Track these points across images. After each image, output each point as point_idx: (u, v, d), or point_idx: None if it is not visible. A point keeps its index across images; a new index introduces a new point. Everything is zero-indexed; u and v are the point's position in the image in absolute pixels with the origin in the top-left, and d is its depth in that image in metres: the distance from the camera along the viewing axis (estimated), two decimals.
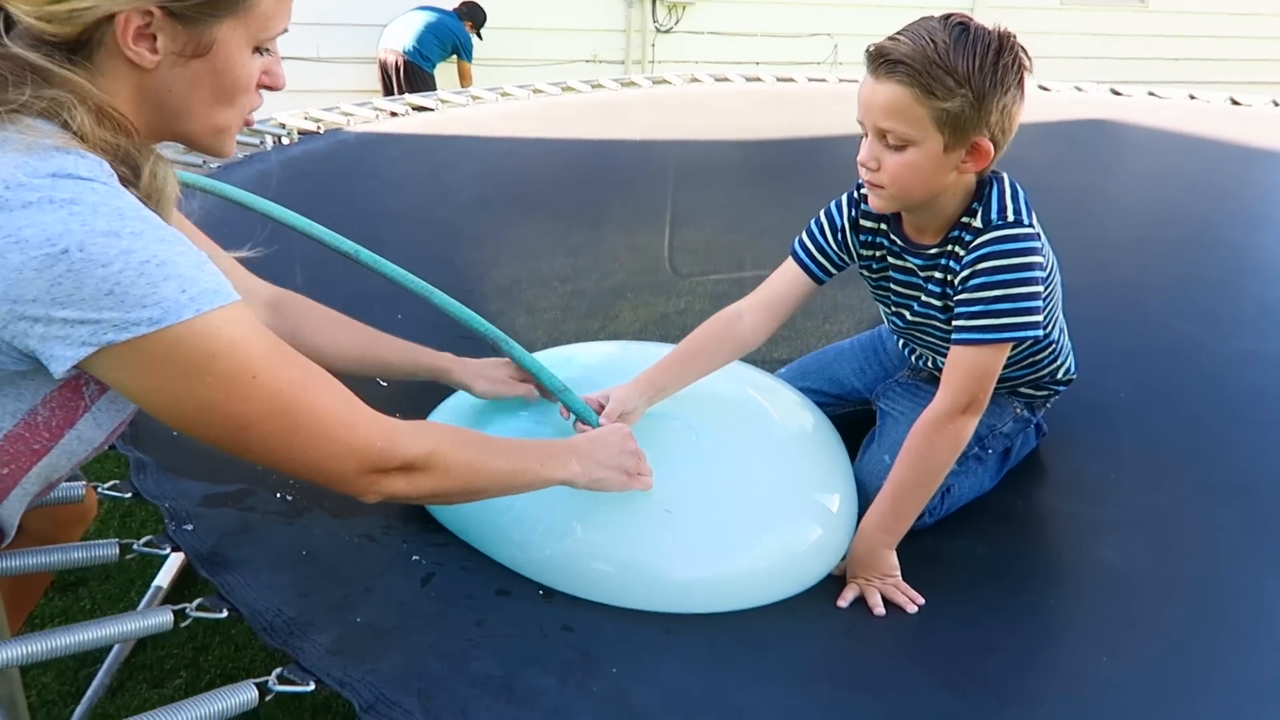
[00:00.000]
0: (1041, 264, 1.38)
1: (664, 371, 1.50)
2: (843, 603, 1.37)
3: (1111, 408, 1.89)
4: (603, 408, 1.42)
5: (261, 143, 2.91)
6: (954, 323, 1.40)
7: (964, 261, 1.40)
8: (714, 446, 1.46)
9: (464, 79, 5.45)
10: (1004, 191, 1.40)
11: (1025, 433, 1.71)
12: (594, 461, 1.26)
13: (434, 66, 5.38)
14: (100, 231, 0.83)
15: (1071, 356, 1.67)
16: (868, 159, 1.36)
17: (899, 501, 1.41)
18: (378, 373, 1.55)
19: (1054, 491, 1.70)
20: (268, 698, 1.00)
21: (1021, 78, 1.32)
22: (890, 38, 1.30)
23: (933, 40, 1.26)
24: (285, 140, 2.97)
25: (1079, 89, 4.31)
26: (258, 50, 1.00)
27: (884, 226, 1.51)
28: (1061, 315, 1.62)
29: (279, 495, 1.37)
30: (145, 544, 1.20)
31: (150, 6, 0.90)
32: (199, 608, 1.10)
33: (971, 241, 1.39)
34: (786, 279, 1.56)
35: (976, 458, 1.61)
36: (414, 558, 1.31)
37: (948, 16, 1.30)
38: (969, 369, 1.38)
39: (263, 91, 1.04)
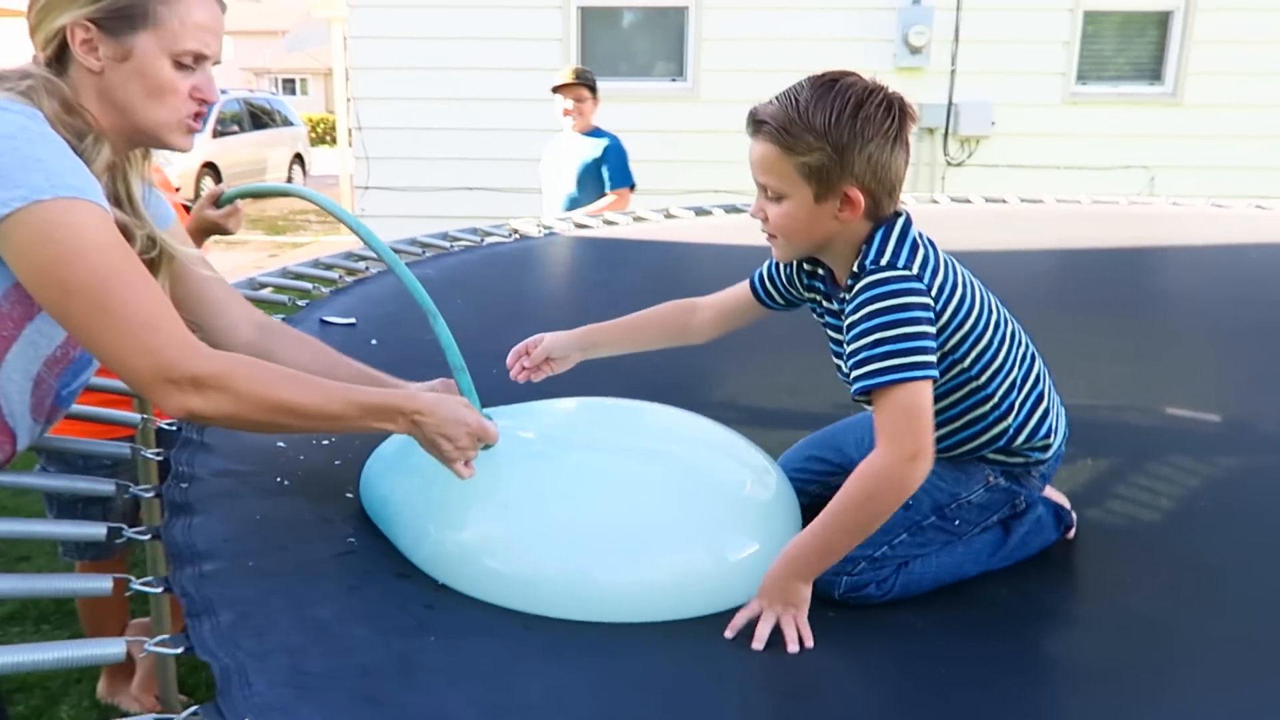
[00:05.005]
0: (924, 305, 1.34)
1: (604, 330, 1.67)
2: (730, 630, 1.32)
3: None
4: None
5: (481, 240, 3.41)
6: (852, 375, 1.36)
7: (846, 312, 1.39)
8: (586, 459, 1.53)
9: None
10: (888, 235, 1.39)
11: (1027, 517, 1.57)
12: (424, 426, 1.35)
13: None
14: (3, 134, 1.20)
15: (1050, 421, 1.52)
16: (756, 211, 1.45)
17: (831, 540, 1.34)
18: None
19: (1050, 587, 1.54)
20: (127, 593, 1.21)
21: (892, 127, 1.34)
22: (768, 100, 1.38)
23: (796, 99, 1.34)
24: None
25: None
26: (179, 65, 1.34)
27: (820, 271, 1.54)
28: (1025, 374, 1.50)
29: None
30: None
31: (86, 23, 1.29)
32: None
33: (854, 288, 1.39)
34: (740, 293, 1.70)
35: (937, 528, 1.50)
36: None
37: (824, 75, 1.36)
38: (901, 410, 1.31)
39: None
